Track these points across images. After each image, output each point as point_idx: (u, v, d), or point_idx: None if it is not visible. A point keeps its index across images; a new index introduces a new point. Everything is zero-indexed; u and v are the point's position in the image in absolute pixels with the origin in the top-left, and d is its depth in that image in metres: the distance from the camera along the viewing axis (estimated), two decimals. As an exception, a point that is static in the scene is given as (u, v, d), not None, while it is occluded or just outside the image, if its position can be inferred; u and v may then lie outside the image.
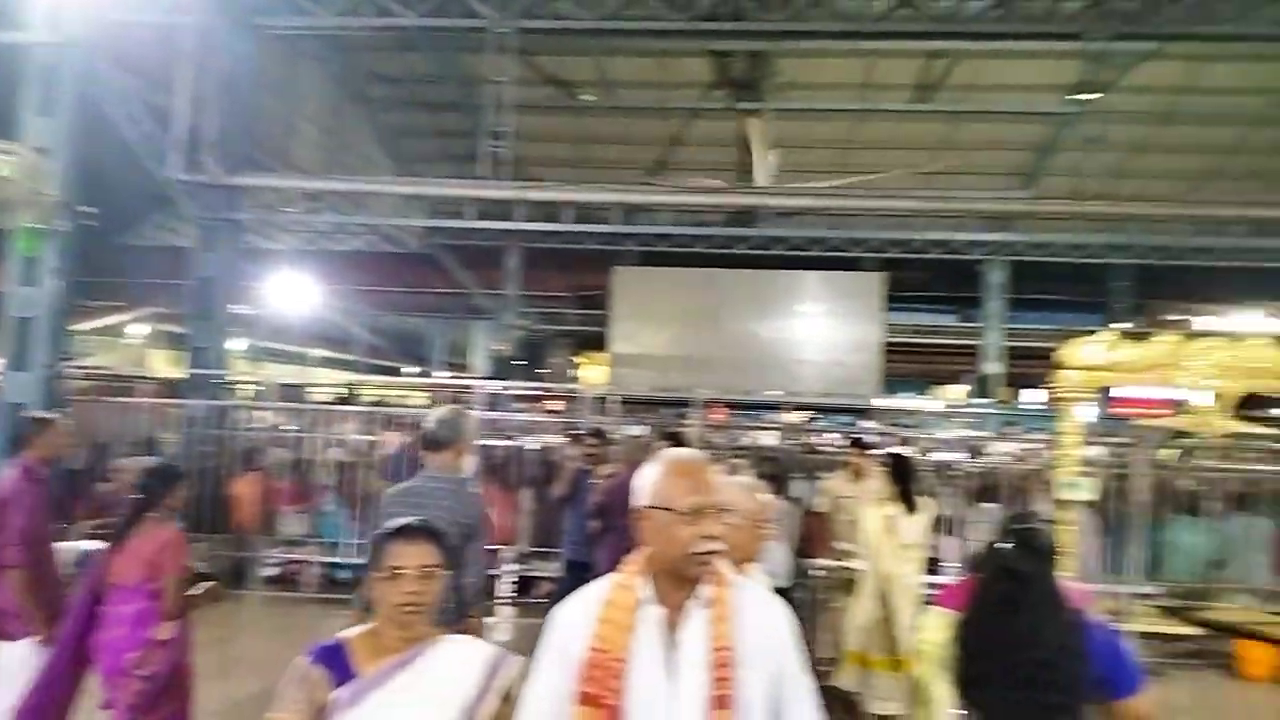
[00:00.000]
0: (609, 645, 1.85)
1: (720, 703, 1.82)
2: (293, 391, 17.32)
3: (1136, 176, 19.21)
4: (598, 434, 7.04)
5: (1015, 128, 18.62)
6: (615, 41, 15.08)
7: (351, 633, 2.21)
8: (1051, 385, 7.71)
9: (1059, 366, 7.54)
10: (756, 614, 1.98)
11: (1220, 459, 9.83)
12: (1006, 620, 2.49)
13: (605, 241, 15.49)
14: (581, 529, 6.05)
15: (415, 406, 13.89)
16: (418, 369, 27.60)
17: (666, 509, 1.88)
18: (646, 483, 1.94)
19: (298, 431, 10.37)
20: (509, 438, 9.81)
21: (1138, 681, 2.55)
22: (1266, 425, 13.35)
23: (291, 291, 16.82)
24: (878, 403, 18.24)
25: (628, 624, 1.86)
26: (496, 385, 12.42)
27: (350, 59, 17.59)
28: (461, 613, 3.54)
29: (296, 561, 8.99)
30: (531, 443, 9.50)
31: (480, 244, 15.95)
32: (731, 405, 16.80)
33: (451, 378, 23.44)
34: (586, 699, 1.84)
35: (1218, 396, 7.75)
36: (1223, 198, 15.42)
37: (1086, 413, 7.81)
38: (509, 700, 2.13)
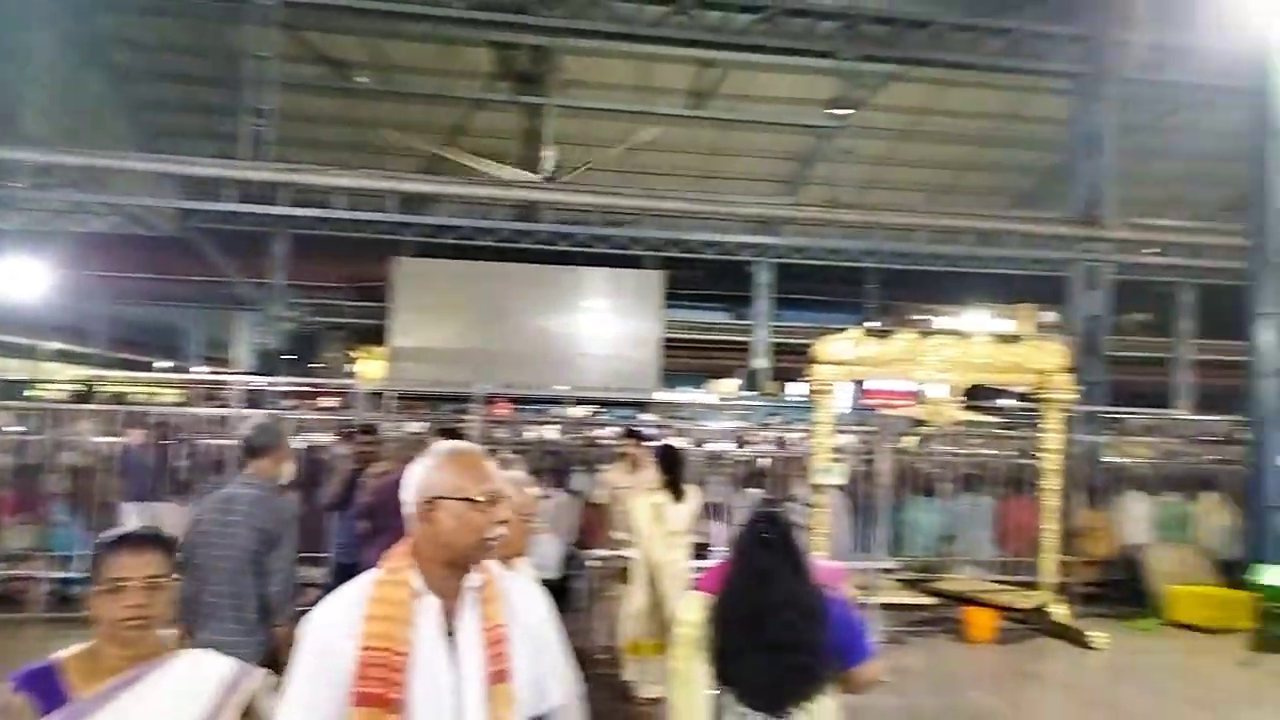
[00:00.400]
0: (388, 642, 1.81)
1: (499, 677, 1.88)
2: (19, 388, 15.41)
3: (884, 188, 21.00)
4: (369, 430, 6.77)
5: (780, 138, 19.81)
6: (391, 24, 14.57)
7: (66, 653, 1.99)
8: (807, 379, 8.29)
9: (814, 361, 8.13)
10: (518, 596, 2.05)
11: (951, 445, 10.96)
12: (758, 591, 2.65)
13: (384, 231, 14.93)
14: (351, 531, 5.80)
15: (165, 404, 12.72)
16: (170, 363, 25.33)
17: (462, 498, 1.90)
18: (434, 474, 1.94)
19: (24, 433, 9.24)
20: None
21: (869, 651, 2.81)
22: (990, 414, 15.13)
23: (20, 276, 14.90)
24: (658, 396, 18.81)
25: (405, 618, 1.84)
26: (260, 381, 11.62)
27: (91, 21, 15.84)
28: (268, 622, 3.46)
29: (21, 578, 8.01)
30: (299, 442, 8.99)
31: (244, 229, 14.87)
32: (515, 400, 16.74)
33: (210, 373, 21.72)
34: (368, 699, 1.78)
35: (949, 388, 8.68)
36: (956, 210, 17.15)
37: (838, 403, 8.49)
38: (251, 716, 2.00)
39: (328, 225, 14.16)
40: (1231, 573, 8.97)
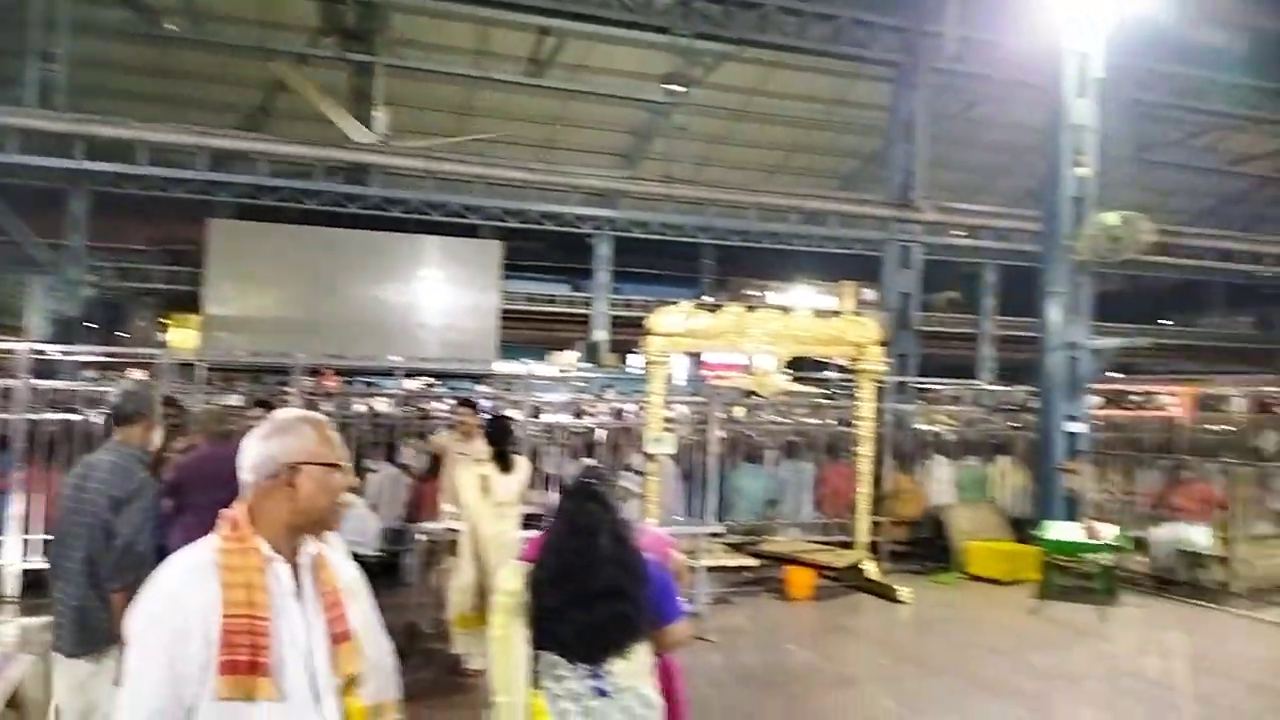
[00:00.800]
0: (249, 609, 1.82)
1: (343, 636, 1.98)
2: None
3: (719, 165, 21.55)
4: (171, 404, 6.33)
5: (619, 111, 19.91)
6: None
7: None
8: (640, 350, 8.41)
9: (647, 333, 8.25)
10: (337, 562, 2.15)
11: (777, 414, 11.43)
12: (581, 545, 2.70)
13: (195, 190, 13.92)
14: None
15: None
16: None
17: (324, 463, 1.97)
18: (292, 441, 1.97)
19: None
20: (71, 410, 8.46)
21: (679, 612, 2.91)
22: (813, 384, 15.88)
23: None
24: (496, 368, 18.59)
25: (261, 584, 1.85)
26: (54, 350, 10.61)
27: None
28: (107, 584, 3.35)
29: None
30: (97, 415, 8.29)
31: (35, 184, 13.48)
32: (344, 372, 16.09)
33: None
34: (236, 667, 1.79)
35: (775, 360, 9.02)
36: (784, 190, 17.78)
37: (676, 375, 8.70)
38: (17, 705, 1.84)
39: (133, 183, 13.07)
40: (1023, 529, 9.84)
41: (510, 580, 2.77)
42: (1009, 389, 15.69)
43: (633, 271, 25.77)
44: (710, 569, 7.84)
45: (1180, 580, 8.82)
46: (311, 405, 9.96)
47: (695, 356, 17.00)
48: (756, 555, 8.78)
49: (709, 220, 16.05)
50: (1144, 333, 25.39)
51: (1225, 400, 16.46)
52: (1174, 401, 15.74)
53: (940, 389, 15.47)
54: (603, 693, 2.63)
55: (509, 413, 10.75)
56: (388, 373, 16.22)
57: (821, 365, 15.01)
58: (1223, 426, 13.38)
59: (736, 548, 9.02)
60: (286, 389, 9.31)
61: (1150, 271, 19.81)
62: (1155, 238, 10.41)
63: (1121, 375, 23.98)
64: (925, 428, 11.99)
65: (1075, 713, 5.66)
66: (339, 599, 2.00)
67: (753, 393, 9.75)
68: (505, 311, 21.51)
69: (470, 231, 18.93)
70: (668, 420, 11.15)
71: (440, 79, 17.82)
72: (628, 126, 20.72)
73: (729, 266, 27.20)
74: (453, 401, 10.32)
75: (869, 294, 24.44)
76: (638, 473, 8.65)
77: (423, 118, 18.26)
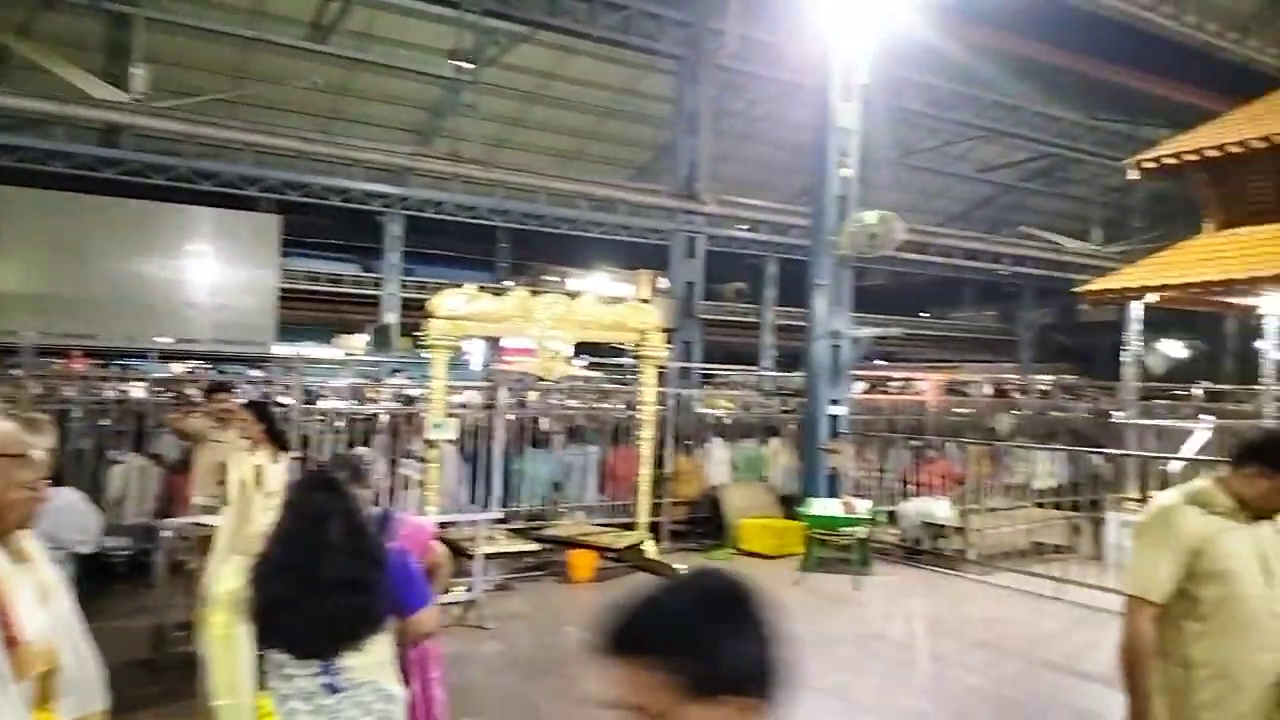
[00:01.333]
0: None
1: (10, 641, 1.88)
2: None
3: (514, 148, 21.35)
4: None
5: (411, 86, 19.25)
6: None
7: None
8: (423, 334, 8.20)
9: (428, 316, 8.05)
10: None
11: (565, 398, 11.54)
12: (312, 533, 2.58)
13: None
14: None
15: None
16: None
17: (9, 454, 1.91)
18: None
19: None
20: None
21: (425, 600, 2.86)
22: (604, 369, 16.15)
23: None
24: (275, 350, 17.56)
25: None
26: None
27: None
28: None
29: None
30: None
31: None
32: (97, 354, 14.63)
33: None
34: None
35: (562, 344, 9.08)
36: (575, 176, 17.87)
37: (470, 360, 8.54)
38: None
39: None
40: (791, 506, 10.47)
41: (229, 577, 2.62)
42: (787, 375, 16.67)
43: (427, 253, 25.10)
44: (492, 556, 7.80)
45: (925, 549, 9.71)
46: (50, 390, 8.99)
47: (493, 341, 16.86)
48: (540, 540, 8.81)
49: (502, 203, 15.87)
50: (905, 324, 27.76)
51: (970, 385, 18.30)
52: (927, 387, 17.30)
53: (724, 374, 16.21)
54: (335, 689, 2.54)
55: (283, 398, 10.26)
56: (140, 354, 14.94)
57: (619, 351, 15.31)
58: (966, 410, 14.83)
59: (521, 533, 9.03)
60: (14, 371, 8.34)
61: (910, 268, 21.57)
62: (909, 236, 11.37)
63: (886, 362, 26.09)
64: (707, 411, 12.50)
65: (824, 675, 6.07)
66: (4, 601, 1.87)
67: (537, 377, 9.74)
68: (288, 291, 20.33)
69: (248, 204, 17.71)
70: (457, 406, 11.01)
71: (210, 38, 16.49)
72: (420, 102, 20.09)
73: (527, 251, 27.08)
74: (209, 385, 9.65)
75: (665, 282, 25.17)
76: (419, 459, 8.47)
77: (189, 78, 16.82)
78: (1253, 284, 8.26)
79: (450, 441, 8.45)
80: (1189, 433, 8.27)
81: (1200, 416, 9.98)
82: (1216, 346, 24.22)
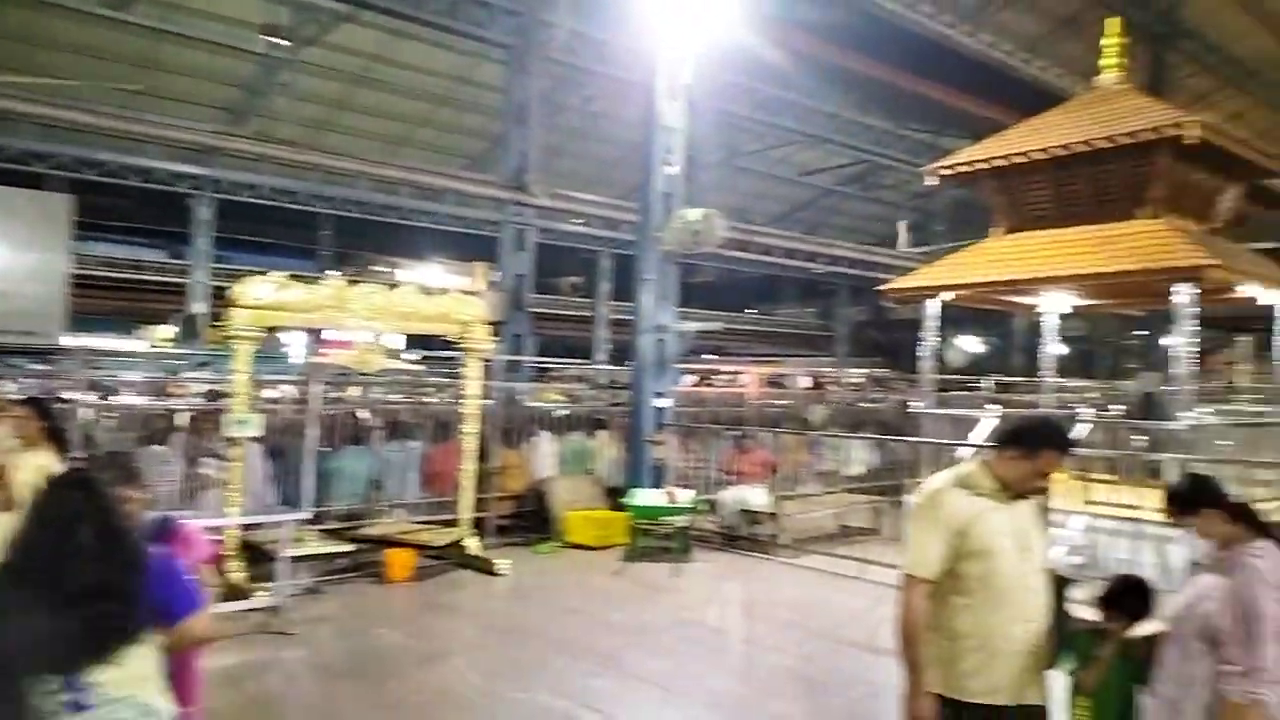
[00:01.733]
0: None
1: None
2: None
3: (339, 132, 20.48)
4: None
5: (224, 62, 18.09)
6: None
7: None
8: (224, 324, 7.69)
9: (231, 305, 7.56)
10: None
11: (386, 392, 11.16)
12: (54, 541, 2.34)
13: None
14: None
15: None
16: None
17: None
18: None
19: None
20: None
21: (195, 605, 2.67)
22: (431, 363, 15.77)
23: None
24: (65, 342, 16.10)
25: None
26: None
27: None
28: None
29: None
30: None
31: None
32: None
33: None
34: None
35: (384, 336, 8.76)
36: (406, 163, 17.33)
37: (271, 350, 8.07)
38: None
39: None
40: (617, 497, 10.57)
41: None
42: (620, 368, 16.85)
43: (245, 240, 23.69)
44: (300, 558, 7.43)
45: (742, 536, 10.04)
46: None
47: (314, 333, 16.09)
48: (354, 540, 8.47)
49: (321, 187, 15.18)
50: (731, 320, 28.69)
51: (789, 379, 19.12)
52: (749, 380, 17.94)
53: (556, 367, 16.19)
54: (81, 706, 2.31)
55: (69, 394, 9.41)
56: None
57: (451, 344, 14.97)
58: (784, 401, 15.48)
59: (335, 533, 8.65)
60: None
61: (735, 265, 22.28)
62: (732, 234, 11.73)
63: (715, 357, 26.85)
64: (536, 405, 12.42)
65: (641, 663, 6.17)
66: None
67: (356, 370, 9.36)
68: (82, 278, 18.64)
69: (36, 182, 16.14)
70: (269, 401, 10.41)
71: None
72: (233, 79, 18.89)
73: (354, 240, 26.04)
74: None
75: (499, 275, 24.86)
76: (221, 458, 7.95)
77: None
78: (1033, 284, 9.03)
79: (256, 439, 7.98)
80: (978, 421, 8.94)
81: (986, 406, 10.85)
82: (1008, 342, 26.40)
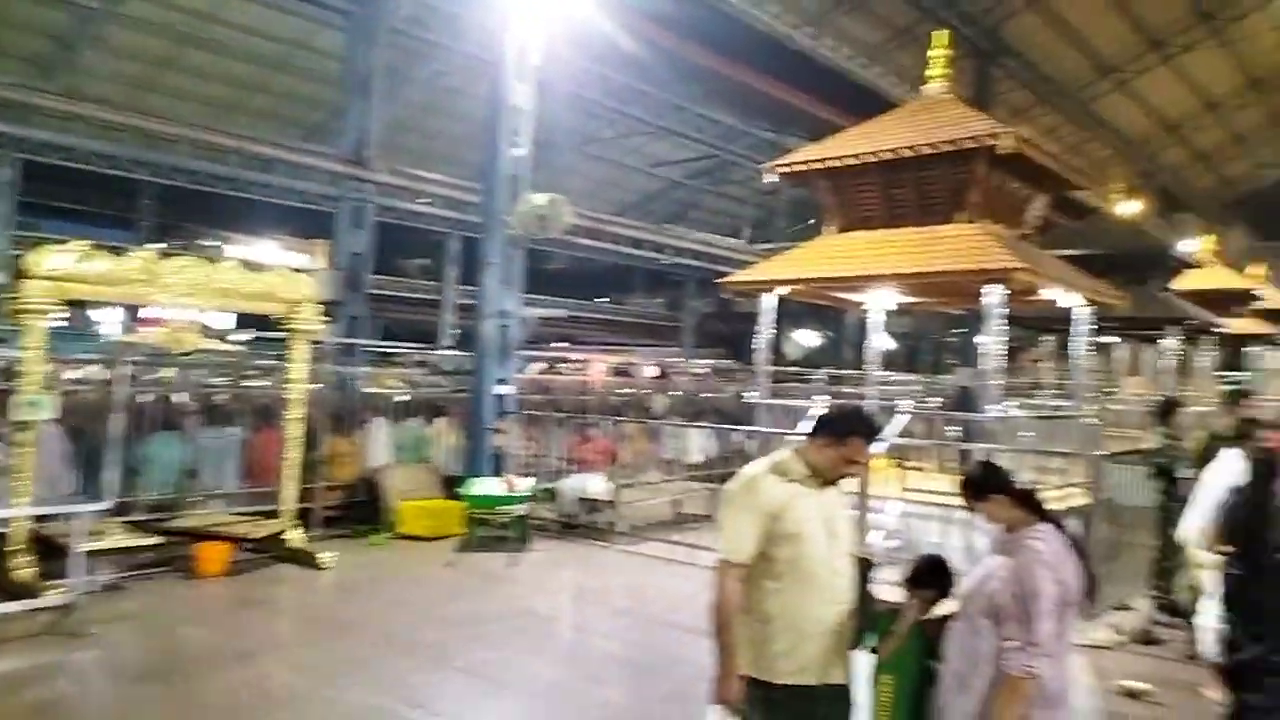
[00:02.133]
0: None
1: None
2: None
3: (164, 94, 19.05)
4: None
5: (30, 9, 16.45)
6: None
7: None
8: (13, 296, 6.98)
9: (22, 276, 6.87)
10: None
11: (203, 375, 10.45)
12: None
13: None
14: None
15: None
16: None
17: None
18: None
19: None
20: None
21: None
22: (248, 344, 14.85)
23: None
24: None
25: None
26: None
27: None
28: None
29: None
30: None
31: None
32: None
33: None
34: None
35: (200, 314, 8.19)
36: (237, 130, 16.27)
37: (108, 329, 7.35)
38: None
39: None
40: (454, 486, 10.32)
41: None
42: (465, 355, 16.45)
43: (57, 206, 21.66)
44: (99, 552, 6.85)
45: (581, 524, 10.03)
46: None
47: (132, 310, 14.87)
48: (163, 533, 7.89)
49: (140, 152, 14.02)
50: (581, 308, 28.67)
51: (636, 367, 19.29)
52: (596, 368, 17.97)
53: (397, 352, 15.62)
54: None
55: None
56: None
57: (254, 324, 14.16)
58: (628, 390, 15.59)
59: (142, 525, 8.04)
60: None
61: (585, 253, 22.22)
62: (581, 221, 11.67)
63: (567, 344, 26.74)
64: (373, 390, 11.96)
65: (469, 655, 6.03)
66: None
67: (173, 352, 8.72)
68: None
69: None
70: (74, 382, 9.53)
71: None
72: (41, 29, 17.20)
73: (183, 212, 24.24)
74: None
75: (338, 254, 23.75)
76: (9, 444, 7.21)
77: None
78: (860, 281, 9.41)
79: (51, 422, 7.30)
80: (808, 411, 9.27)
81: (813, 397, 11.27)
82: (840, 337, 27.61)
